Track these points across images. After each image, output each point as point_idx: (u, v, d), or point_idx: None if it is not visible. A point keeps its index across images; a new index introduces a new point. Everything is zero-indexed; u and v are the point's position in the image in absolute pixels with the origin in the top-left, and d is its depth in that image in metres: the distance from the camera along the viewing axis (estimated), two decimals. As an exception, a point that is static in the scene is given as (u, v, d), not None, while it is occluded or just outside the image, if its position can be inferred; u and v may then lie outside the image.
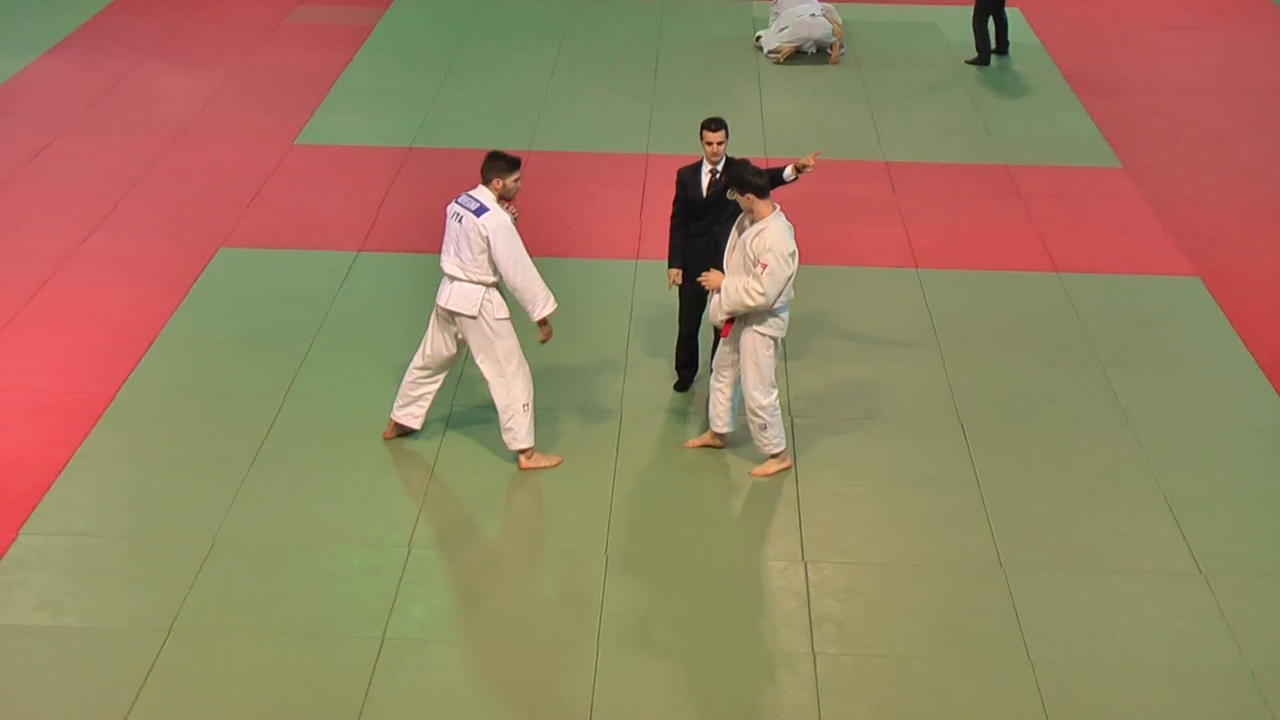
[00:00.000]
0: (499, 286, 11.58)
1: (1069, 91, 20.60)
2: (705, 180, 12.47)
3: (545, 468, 11.92)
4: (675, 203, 12.64)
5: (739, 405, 11.99)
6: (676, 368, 13.09)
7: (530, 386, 11.75)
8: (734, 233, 11.75)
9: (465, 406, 12.55)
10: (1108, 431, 12.67)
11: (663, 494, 11.77)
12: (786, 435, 12.27)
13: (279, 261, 15.28)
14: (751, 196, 11.39)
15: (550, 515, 11.52)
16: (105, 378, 12.96)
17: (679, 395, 12.99)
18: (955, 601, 10.65)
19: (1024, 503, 11.71)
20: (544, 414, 12.51)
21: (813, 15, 21.48)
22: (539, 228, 16.02)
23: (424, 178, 17.21)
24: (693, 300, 12.79)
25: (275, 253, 15.45)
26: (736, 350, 11.80)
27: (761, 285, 11.32)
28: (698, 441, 12.29)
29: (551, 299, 11.63)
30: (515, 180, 11.54)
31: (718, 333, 12.02)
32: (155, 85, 20.03)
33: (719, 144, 12.34)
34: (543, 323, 11.71)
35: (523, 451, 11.86)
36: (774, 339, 11.64)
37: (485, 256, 11.43)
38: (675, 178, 12.65)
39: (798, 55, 21.62)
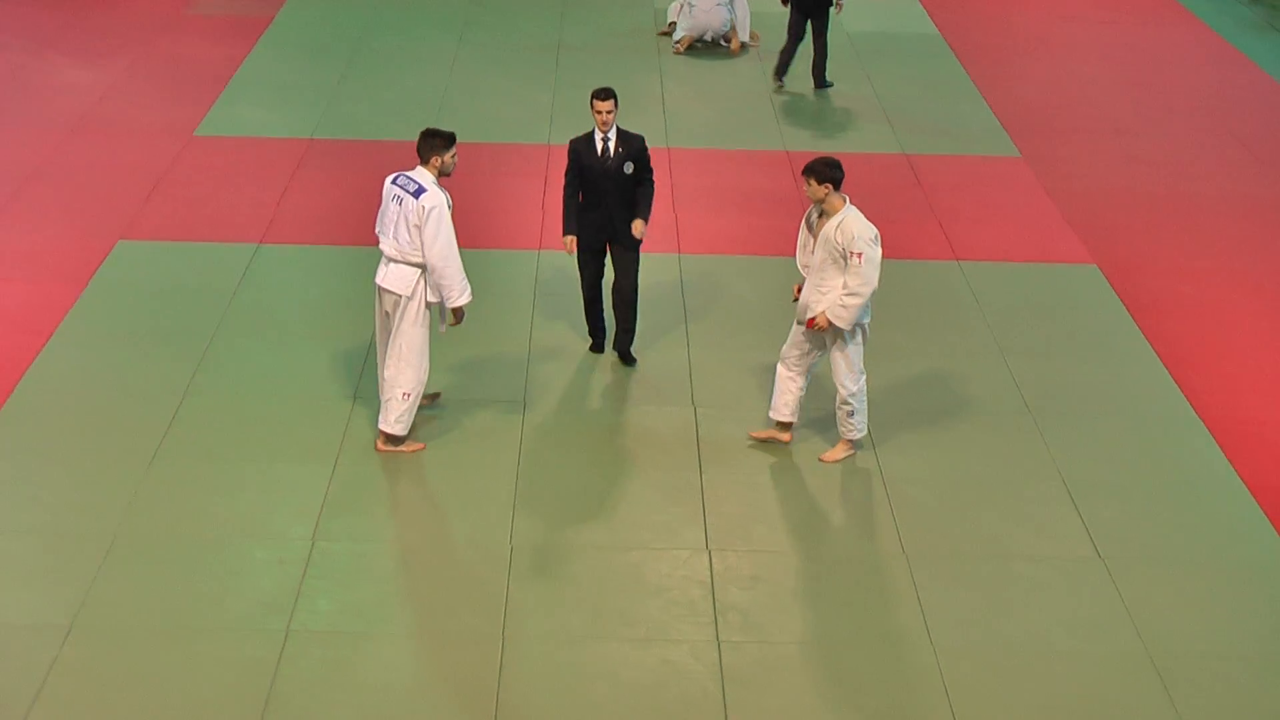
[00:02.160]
0: None
1: (969, 81, 20.75)
2: (599, 147, 12.81)
3: (402, 452, 11.93)
4: (568, 174, 12.98)
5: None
6: (589, 333, 13.43)
7: (420, 380, 11.75)
8: (802, 230, 11.82)
9: (367, 399, 12.50)
10: (1008, 419, 12.78)
11: (566, 484, 11.77)
12: (689, 426, 12.34)
13: (179, 254, 15.15)
14: (829, 187, 11.44)
15: (454, 506, 11.49)
16: (2, 373, 12.81)
17: (582, 385, 13.00)
18: (859, 589, 10.71)
19: (925, 490, 11.79)
20: (449, 405, 12.50)
21: (718, 5, 21.53)
22: (442, 219, 15.98)
23: (325, 169, 17.11)
24: (588, 268, 13.16)
25: (175, 245, 15.32)
26: (811, 341, 11.82)
27: (862, 276, 11.35)
28: (764, 434, 12.26)
29: (469, 291, 11.66)
30: (452, 156, 11.59)
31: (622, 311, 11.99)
32: (52, 77, 19.81)
33: (608, 112, 12.75)
34: (456, 311, 11.73)
35: (387, 435, 11.89)
36: (861, 327, 11.69)
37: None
38: (568, 149, 12.98)
39: (699, 44, 21.70)
